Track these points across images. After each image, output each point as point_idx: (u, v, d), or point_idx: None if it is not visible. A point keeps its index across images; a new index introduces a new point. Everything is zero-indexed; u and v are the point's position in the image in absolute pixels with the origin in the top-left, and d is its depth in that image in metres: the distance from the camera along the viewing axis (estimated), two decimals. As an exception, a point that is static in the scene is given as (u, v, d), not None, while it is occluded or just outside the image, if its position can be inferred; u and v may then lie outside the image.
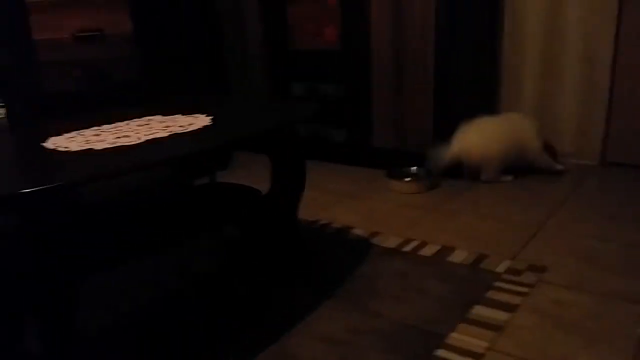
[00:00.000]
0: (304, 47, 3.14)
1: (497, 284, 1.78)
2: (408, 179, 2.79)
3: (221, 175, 2.79)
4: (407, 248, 2.09)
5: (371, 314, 1.66)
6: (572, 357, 1.41)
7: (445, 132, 2.81)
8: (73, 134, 1.53)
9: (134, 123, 1.63)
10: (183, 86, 3.17)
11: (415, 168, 2.83)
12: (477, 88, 3.05)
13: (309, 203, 2.55)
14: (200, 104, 1.84)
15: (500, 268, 1.88)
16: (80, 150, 1.36)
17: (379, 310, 1.67)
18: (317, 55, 3.11)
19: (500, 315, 1.60)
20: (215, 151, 1.40)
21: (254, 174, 2.17)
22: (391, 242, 2.15)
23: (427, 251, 2.06)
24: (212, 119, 1.60)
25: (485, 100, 3.15)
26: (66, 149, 1.37)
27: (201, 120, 1.58)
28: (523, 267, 1.87)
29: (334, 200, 2.65)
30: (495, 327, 1.54)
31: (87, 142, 1.43)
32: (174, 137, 1.43)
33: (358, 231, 2.27)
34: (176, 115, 1.68)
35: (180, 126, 1.53)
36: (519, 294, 1.71)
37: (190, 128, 1.50)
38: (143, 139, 1.42)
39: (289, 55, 3.22)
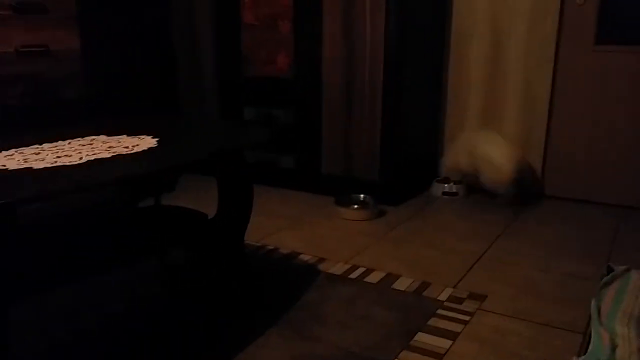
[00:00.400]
0: (257, 74, 3.15)
1: (440, 311, 1.81)
2: (356, 206, 2.82)
3: (168, 198, 2.74)
4: (354, 275, 2.10)
5: (316, 340, 1.65)
6: (509, 384, 1.44)
7: (393, 160, 2.87)
8: (11, 151, 1.48)
9: (76, 142, 1.58)
10: (132, 107, 3.12)
11: (363, 195, 2.87)
12: (423, 119, 3.15)
13: (256, 228, 2.54)
14: (147, 124, 1.81)
15: (443, 296, 1.92)
16: (18, 169, 1.31)
17: (324, 337, 1.67)
18: (269, 82, 3.13)
19: (442, 343, 1.62)
20: (159, 174, 1.37)
21: (201, 197, 2.15)
22: (338, 269, 2.15)
23: (373, 278, 2.07)
24: (158, 140, 1.58)
25: (432, 131, 3.25)
26: (3, 167, 1.32)
27: (147, 142, 1.56)
28: (464, 295, 1.92)
29: (281, 225, 2.64)
30: (437, 355, 1.56)
31: (26, 160, 1.38)
32: (117, 158, 1.40)
33: (305, 257, 2.27)
34: (121, 136, 1.65)
35: (125, 147, 1.50)
36: (460, 321, 1.74)
37: (135, 149, 1.47)
38: (85, 159, 1.38)
39: (242, 81, 3.23)
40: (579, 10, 2.84)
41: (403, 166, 2.96)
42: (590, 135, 2.95)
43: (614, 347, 1.54)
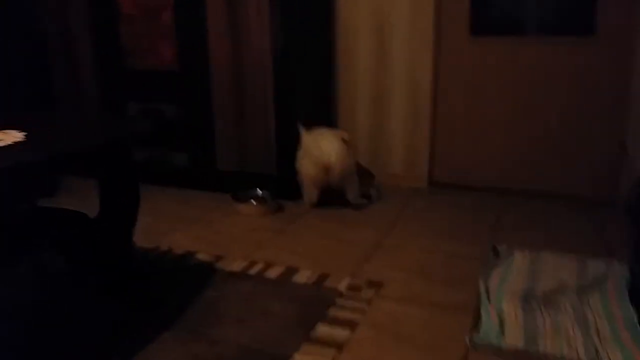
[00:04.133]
0: (140, 67, 2.99)
1: (339, 301, 1.81)
2: (253, 201, 2.77)
3: (48, 202, 2.52)
4: (252, 271, 2.06)
5: (214, 340, 1.58)
6: (407, 367, 1.47)
7: (289, 154, 2.85)
8: None
9: None
10: (3, 106, 2.84)
11: (260, 191, 2.82)
12: (318, 110, 3.16)
13: (148, 230, 2.41)
14: (14, 119, 1.64)
15: (341, 286, 1.92)
16: None
17: (223, 336, 1.61)
18: (154, 75, 2.98)
19: (341, 333, 1.62)
20: (22, 169, 1.23)
21: (85, 201, 1.99)
22: (236, 266, 2.09)
23: (272, 273, 2.04)
24: (26, 135, 1.43)
25: (327, 122, 3.27)
26: None
27: (12, 137, 1.41)
28: (362, 284, 1.94)
29: (175, 226, 2.53)
30: (337, 345, 1.56)
31: None
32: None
33: (201, 256, 2.18)
34: (-16, 132, 1.48)
35: (-13, 143, 1.34)
36: (358, 310, 1.76)
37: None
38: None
39: (124, 75, 3.05)
40: (455, 3, 2.99)
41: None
42: (470, 122, 3.11)
43: (502, 324, 1.62)
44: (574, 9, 2.88)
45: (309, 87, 3.03)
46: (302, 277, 2.00)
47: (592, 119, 2.89)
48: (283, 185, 2.86)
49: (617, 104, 2.83)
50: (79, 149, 1.43)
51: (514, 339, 1.56)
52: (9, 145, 1.33)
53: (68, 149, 1.40)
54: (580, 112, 2.90)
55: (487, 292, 1.82)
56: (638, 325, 1.61)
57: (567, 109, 2.93)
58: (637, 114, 2.76)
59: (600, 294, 1.82)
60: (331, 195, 2.77)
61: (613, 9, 2.74)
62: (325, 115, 3.26)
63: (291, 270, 2.05)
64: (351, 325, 1.66)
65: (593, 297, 1.80)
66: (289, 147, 2.84)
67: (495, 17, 3.02)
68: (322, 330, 1.64)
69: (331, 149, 2.62)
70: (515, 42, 2.95)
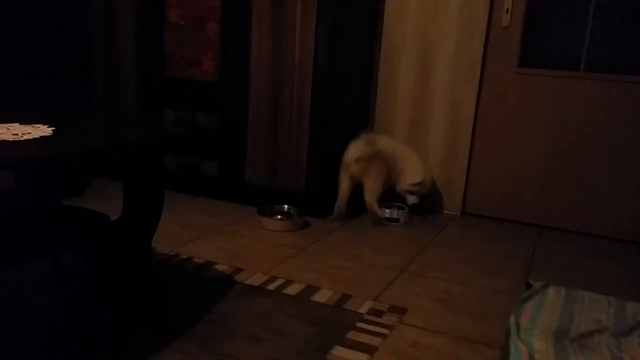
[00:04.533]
0: (181, 75, 3.01)
1: (359, 324, 1.73)
2: (279, 216, 2.72)
3: (74, 202, 2.53)
4: (272, 286, 1.99)
5: (226, 356, 1.52)
6: (426, 400, 1.38)
7: (319, 172, 2.80)
8: None
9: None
10: (41, 101, 2.88)
11: (287, 206, 2.77)
12: (351, 131, 3.11)
13: (170, 237, 2.39)
14: (46, 114, 1.64)
15: (363, 309, 1.84)
16: None
17: (234, 352, 1.54)
18: (193, 84, 2.99)
19: (359, 357, 1.54)
20: (49, 163, 1.21)
21: (111, 203, 1.97)
22: (255, 280, 2.03)
23: (292, 290, 1.97)
24: (54, 130, 1.42)
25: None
26: None
27: (40, 131, 1.39)
28: (384, 309, 1.85)
29: (198, 235, 2.49)
30: (353, 370, 1.48)
31: None
32: (2, 144, 1.23)
33: (221, 267, 2.13)
34: (13, 124, 1.47)
35: (14, 134, 1.33)
36: (379, 335, 1.67)
37: (25, 137, 1.31)
38: (-37, 144, 1.21)
39: (163, 82, 3.07)
40: (504, 33, 2.92)
41: (329, 178, 2.89)
42: (511, 154, 3.01)
43: (531, 362, 1.51)
44: (627, 47, 2.78)
45: (347, 107, 2.98)
46: (323, 296, 1.93)
47: (637, 159, 2.76)
48: (311, 202, 2.81)
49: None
50: (104, 147, 1.41)
51: (544, 380, 1.44)
52: (34, 139, 1.31)
53: (93, 145, 1.38)
54: (626, 151, 2.78)
55: (518, 327, 1.71)
56: (682, 376, 1.48)
57: (611, 147, 2.81)
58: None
59: (638, 337, 1.68)
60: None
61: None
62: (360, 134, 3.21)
63: (311, 289, 1.98)
64: (370, 350, 1.58)
65: (632, 340, 1.67)
66: (320, 164, 2.80)
67: (546, 48, 2.93)
68: (340, 353, 1.56)
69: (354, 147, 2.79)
70: (566, 77, 2.86)
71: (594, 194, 2.87)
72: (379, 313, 1.82)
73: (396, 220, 2.88)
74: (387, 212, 2.89)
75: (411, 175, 2.87)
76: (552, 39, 2.92)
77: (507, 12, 2.88)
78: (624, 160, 2.78)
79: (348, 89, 2.97)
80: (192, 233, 2.50)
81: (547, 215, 2.98)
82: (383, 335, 1.67)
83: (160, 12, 3.00)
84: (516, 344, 1.60)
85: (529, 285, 2.07)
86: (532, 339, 1.64)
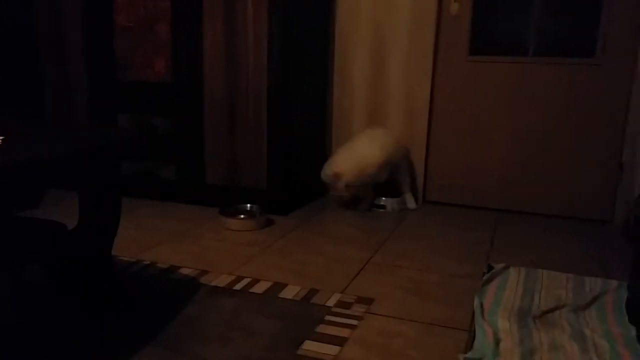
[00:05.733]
0: (133, 78, 2.95)
1: (327, 317, 1.73)
2: (242, 216, 2.70)
3: (31, 214, 2.45)
4: (238, 286, 1.98)
5: (196, 357, 1.50)
6: (398, 386, 1.39)
7: (280, 169, 2.79)
8: None
9: None
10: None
11: (249, 205, 2.76)
12: (311, 126, 3.12)
13: (131, 243, 2.34)
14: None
15: (330, 302, 1.85)
16: None
17: (205, 353, 1.52)
18: (147, 87, 2.93)
19: (330, 350, 1.54)
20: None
21: (67, 212, 1.91)
22: (221, 281, 2.02)
23: (259, 288, 1.96)
24: (2, 139, 1.37)
25: (320, 139, 3.23)
26: None
27: (-14, 140, 1.34)
28: (352, 300, 1.87)
29: (161, 239, 2.45)
30: (325, 363, 1.48)
31: None
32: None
33: (185, 271, 2.11)
34: (-43, 135, 1.41)
35: (-42, 144, 1.28)
36: (347, 326, 1.68)
37: (-29, 147, 1.26)
38: None
39: (115, 86, 3.00)
40: (454, 22, 2.97)
41: (291, 175, 2.89)
42: (467, 141, 3.08)
43: (497, 342, 1.55)
44: (574, 31, 2.87)
45: (304, 103, 2.99)
46: (290, 293, 1.93)
47: (591, 140, 2.86)
48: (273, 200, 2.80)
49: (616, 125, 2.81)
50: (56, 155, 1.36)
51: (509, 356, 1.48)
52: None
53: (44, 154, 1.33)
54: (580, 132, 2.87)
55: (482, 309, 1.75)
56: (637, 343, 1.55)
57: (566, 130, 2.90)
58: (633, 135, 2.73)
59: (597, 311, 1.75)
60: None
61: (614, 31, 2.73)
62: (319, 131, 3.22)
63: (278, 286, 1.98)
64: (340, 342, 1.59)
65: (591, 314, 1.73)
66: (280, 161, 2.79)
67: (495, 37, 3.00)
68: (310, 347, 1.56)
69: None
70: (516, 63, 2.93)
71: (550, 176, 2.96)
72: (346, 305, 1.83)
73: (383, 207, 2.98)
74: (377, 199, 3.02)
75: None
76: (500, 26, 3.00)
77: (455, 1, 2.93)
78: (577, 141, 2.88)
79: (304, 83, 2.98)
80: (154, 238, 2.46)
81: (505, 199, 3.06)
82: (352, 327, 1.68)
83: (108, 14, 2.93)
84: (481, 325, 1.64)
85: (490, 268, 2.12)
86: (496, 319, 1.69)
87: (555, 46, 2.88)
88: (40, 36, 3.15)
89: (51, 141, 1.54)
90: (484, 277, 2.02)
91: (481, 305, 1.77)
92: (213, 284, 1.99)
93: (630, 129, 2.75)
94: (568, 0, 2.86)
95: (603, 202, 2.88)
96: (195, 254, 2.28)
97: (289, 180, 2.87)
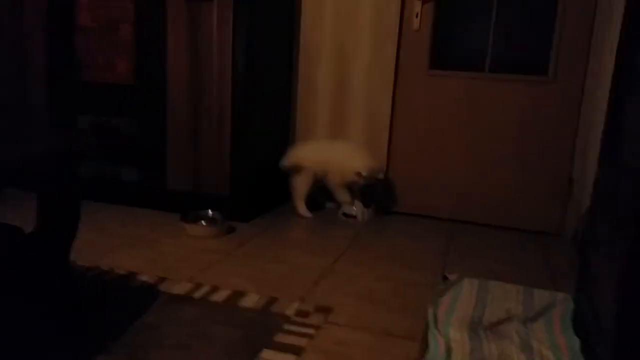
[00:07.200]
0: (94, 79, 2.91)
1: (286, 326, 1.76)
2: (203, 222, 2.70)
3: (-19, 216, 2.39)
4: (197, 294, 1.98)
5: (151, 367, 1.50)
6: (352, 395, 1.43)
7: (243, 175, 2.80)
8: None
9: None
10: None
11: (211, 212, 2.76)
12: (274, 133, 3.14)
13: (89, 248, 2.31)
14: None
15: (289, 311, 1.87)
16: None
17: (161, 362, 1.53)
18: (108, 89, 2.90)
19: (286, 359, 1.57)
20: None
21: (23, 214, 1.89)
22: (180, 289, 2.02)
23: (218, 297, 1.97)
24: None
25: (283, 146, 3.25)
26: None
27: (-56, 144, 1.31)
28: (310, 309, 1.90)
29: (119, 244, 2.43)
30: (282, 372, 1.51)
31: None
32: None
33: (144, 277, 2.09)
34: None
35: None
36: (305, 335, 1.71)
37: None
38: None
39: (74, 87, 2.95)
40: (415, 36, 3.05)
41: (254, 181, 2.91)
42: (426, 154, 3.16)
43: (449, 352, 1.61)
44: (528, 49, 2.99)
45: (267, 108, 3.01)
46: (250, 301, 1.94)
47: (543, 155, 2.98)
48: (236, 206, 2.81)
49: (566, 141, 2.93)
50: (11, 158, 1.35)
51: (460, 367, 1.54)
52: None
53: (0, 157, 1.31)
54: (532, 147, 2.99)
55: (435, 319, 1.81)
56: (581, 355, 1.63)
57: (518, 144, 3.01)
58: (581, 151, 2.86)
59: (545, 323, 1.83)
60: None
61: (565, 50, 2.85)
62: (282, 137, 3.25)
63: (238, 294, 1.99)
64: (298, 351, 1.61)
65: (538, 326, 1.81)
66: (244, 167, 2.80)
67: (454, 52, 3.10)
68: (267, 356, 1.58)
69: None
70: (473, 78, 3.03)
71: (504, 188, 3.07)
72: (305, 314, 1.86)
73: (353, 216, 3.04)
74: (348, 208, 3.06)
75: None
76: (460, 41, 3.09)
77: (416, 16, 3.01)
78: (529, 155, 2.99)
79: (269, 90, 3.00)
80: (113, 243, 2.43)
81: (460, 210, 3.15)
82: (310, 336, 1.71)
83: (70, 15, 2.88)
84: (434, 335, 1.69)
85: (445, 278, 2.19)
86: (449, 329, 1.75)
87: (511, 63, 3.00)
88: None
89: (6, 144, 1.52)
90: (438, 287, 2.08)
91: (435, 315, 1.83)
92: (172, 291, 1.99)
93: (579, 145, 2.88)
94: (523, 21, 2.98)
95: (554, 216, 3.00)
96: (154, 260, 2.27)
97: (251, 187, 2.88)
